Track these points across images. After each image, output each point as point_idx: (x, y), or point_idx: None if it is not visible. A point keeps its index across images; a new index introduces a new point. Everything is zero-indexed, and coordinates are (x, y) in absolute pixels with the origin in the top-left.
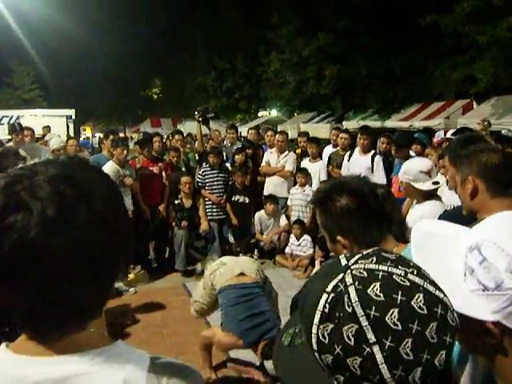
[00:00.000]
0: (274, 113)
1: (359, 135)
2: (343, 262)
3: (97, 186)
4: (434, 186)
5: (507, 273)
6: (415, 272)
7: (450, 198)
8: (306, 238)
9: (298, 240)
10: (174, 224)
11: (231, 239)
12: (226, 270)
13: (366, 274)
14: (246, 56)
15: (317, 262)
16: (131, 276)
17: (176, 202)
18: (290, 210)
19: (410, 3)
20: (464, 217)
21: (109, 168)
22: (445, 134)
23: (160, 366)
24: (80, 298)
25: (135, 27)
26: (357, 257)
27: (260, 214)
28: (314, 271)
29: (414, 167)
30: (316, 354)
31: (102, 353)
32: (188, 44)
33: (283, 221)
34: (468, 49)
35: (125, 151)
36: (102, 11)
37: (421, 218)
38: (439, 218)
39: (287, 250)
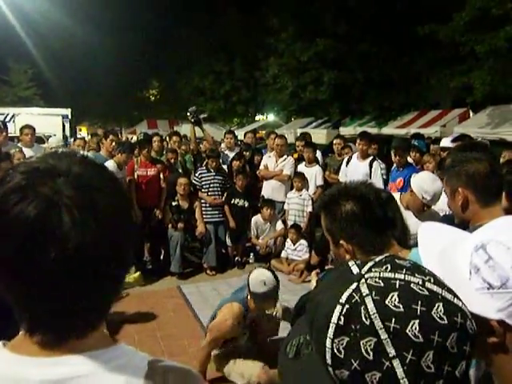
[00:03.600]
0: (272, 117)
1: (358, 141)
2: (355, 270)
3: (108, 185)
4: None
5: None
6: (432, 280)
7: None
8: (303, 242)
9: (294, 244)
10: (170, 226)
11: (228, 242)
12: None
13: (382, 283)
14: (245, 60)
15: (313, 274)
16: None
17: (173, 203)
18: (286, 214)
19: (409, 11)
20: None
21: (110, 168)
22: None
23: (162, 369)
24: (98, 296)
25: (134, 28)
26: (370, 264)
27: (256, 219)
28: (312, 280)
29: (437, 190)
30: (330, 369)
31: (103, 354)
32: (186, 46)
33: (279, 225)
34: (466, 58)
35: (128, 159)
36: (101, 11)
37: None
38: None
39: (283, 254)
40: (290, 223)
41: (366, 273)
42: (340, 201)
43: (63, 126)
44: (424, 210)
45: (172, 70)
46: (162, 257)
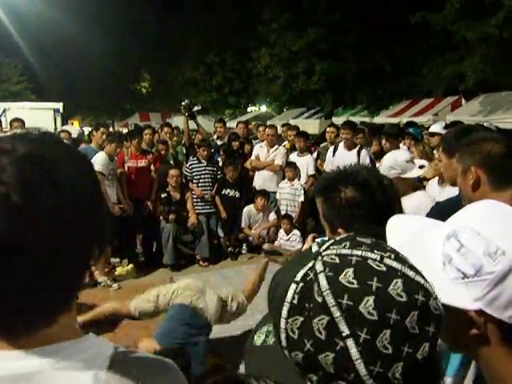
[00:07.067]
0: (264, 108)
1: (342, 130)
2: (314, 248)
3: (68, 166)
4: (422, 170)
5: (486, 256)
6: (392, 256)
7: (438, 194)
8: (296, 232)
9: (288, 235)
10: (161, 218)
11: (220, 233)
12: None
13: (337, 259)
14: (236, 50)
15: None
16: (118, 270)
17: (163, 195)
18: (278, 204)
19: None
20: (457, 208)
21: (101, 159)
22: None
23: (134, 360)
24: (49, 290)
25: (125, 21)
26: (329, 243)
27: (249, 209)
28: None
29: (398, 159)
30: (286, 352)
31: (69, 347)
32: (177, 38)
33: (272, 215)
34: (458, 46)
35: (118, 149)
36: (91, 5)
37: (417, 209)
38: (431, 210)
39: (276, 244)
40: (282, 213)
41: (324, 250)
42: (339, 186)
43: (55, 120)
44: (413, 190)
45: (163, 61)
46: (154, 249)
